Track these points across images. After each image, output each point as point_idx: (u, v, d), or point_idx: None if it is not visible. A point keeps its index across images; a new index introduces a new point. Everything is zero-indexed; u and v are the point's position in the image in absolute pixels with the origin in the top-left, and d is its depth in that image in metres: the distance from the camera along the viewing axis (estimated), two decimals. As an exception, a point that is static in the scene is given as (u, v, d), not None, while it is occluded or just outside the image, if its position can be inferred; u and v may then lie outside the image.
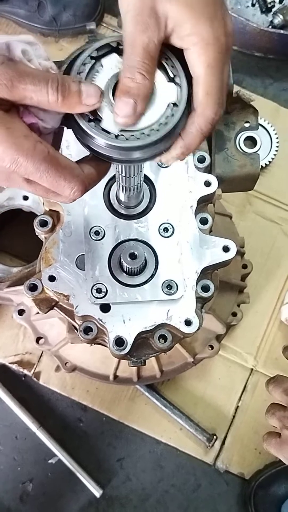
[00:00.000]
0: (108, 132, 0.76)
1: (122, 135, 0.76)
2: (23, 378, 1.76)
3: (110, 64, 0.78)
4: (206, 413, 1.74)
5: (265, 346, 1.79)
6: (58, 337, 1.59)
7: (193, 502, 1.71)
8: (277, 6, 2.03)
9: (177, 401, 1.73)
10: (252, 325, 1.79)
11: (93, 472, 1.70)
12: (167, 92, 0.77)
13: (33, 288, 1.10)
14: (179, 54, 0.78)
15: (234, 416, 1.75)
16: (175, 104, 0.77)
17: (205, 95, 0.76)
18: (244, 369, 1.77)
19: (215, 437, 1.71)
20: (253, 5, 2.04)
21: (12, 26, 1.98)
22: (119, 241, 1.08)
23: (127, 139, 0.76)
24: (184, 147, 0.80)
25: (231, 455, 1.72)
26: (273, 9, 2.03)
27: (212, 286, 1.09)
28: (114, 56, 0.78)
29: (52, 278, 1.06)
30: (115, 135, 0.76)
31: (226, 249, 1.09)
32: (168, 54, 0.78)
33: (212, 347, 1.59)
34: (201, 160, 1.13)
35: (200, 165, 1.13)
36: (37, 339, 1.60)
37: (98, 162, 0.79)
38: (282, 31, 1.95)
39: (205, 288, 1.08)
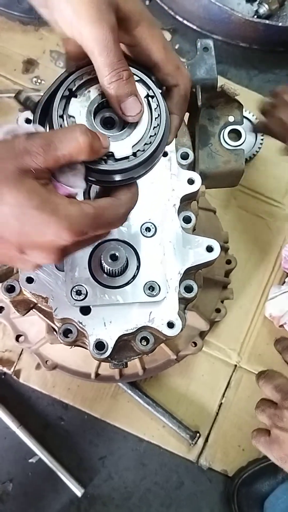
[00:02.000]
0: (127, 157, 0.77)
1: (138, 150, 0.78)
2: (3, 376, 1.72)
3: (76, 109, 0.79)
4: (189, 410, 1.73)
5: (249, 342, 1.77)
6: (38, 335, 1.55)
7: (176, 500, 1.70)
8: (262, -5, 1.99)
9: (160, 399, 1.71)
10: (236, 321, 1.77)
11: (75, 471, 1.68)
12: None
13: (10, 289, 1.07)
14: None
15: (217, 413, 1.73)
16: (151, 96, 0.80)
17: (177, 69, 0.83)
18: (228, 365, 1.75)
19: (198, 434, 1.69)
20: (238, -6, 2.00)
21: (-10, 13, 1.93)
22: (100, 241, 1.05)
23: (143, 150, 0.78)
24: (180, 119, 0.85)
25: (214, 452, 1.71)
26: (258, -1, 1.99)
27: (195, 287, 1.06)
28: (73, 101, 0.79)
29: (30, 280, 1.03)
30: (133, 154, 0.78)
31: (209, 249, 1.06)
32: None
33: (195, 344, 1.57)
34: (184, 156, 1.10)
35: (184, 162, 1.10)
36: (17, 337, 1.56)
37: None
38: (267, 21, 1.91)
39: (188, 289, 1.06)
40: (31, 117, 1.06)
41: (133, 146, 0.78)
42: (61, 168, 0.72)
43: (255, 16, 1.96)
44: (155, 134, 0.79)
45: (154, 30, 0.80)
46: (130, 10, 0.77)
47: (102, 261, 1.01)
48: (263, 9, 1.95)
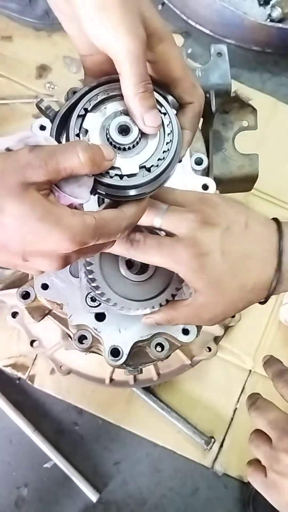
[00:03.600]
0: (134, 174, 0.78)
1: (151, 165, 0.79)
2: (17, 381, 1.72)
3: (92, 125, 0.80)
4: (203, 416, 1.72)
5: (264, 347, 1.76)
6: (52, 340, 1.56)
7: (191, 506, 1.69)
8: (275, -2, 1.99)
9: (174, 404, 1.71)
10: (250, 326, 1.76)
11: (90, 476, 1.67)
12: None
13: (25, 296, 1.08)
14: None
15: (232, 418, 1.72)
16: (163, 113, 0.81)
17: (193, 87, 0.85)
18: (242, 370, 1.75)
19: (213, 439, 1.68)
20: (250, -3, 2.00)
21: (4, 20, 1.93)
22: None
23: (157, 166, 0.79)
24: (192, 135, 0.86)
25: (229, 458, 1.69)
26: (271, 2, 1.97)
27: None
28: (89, 116, 0.80)
29: (45, 286, 1.03)
30: (147, 169, 0.79)
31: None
32: None
33: (209, 349, 1.56)
34: (199, 162, 1.10)
35: (198, 168, 1.10)
36: (31, 342, 1.57)
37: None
38: (280, 25, 1.90)
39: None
40: (45, 124, 1.07)
41: (146, 161, 0.79)
42: (66, 178, 0.74)
43: (268, 20, 1.95)
44: (168, 149, 0.80)
45: (174, 48, 0.82)
46: (156, 27, 0.79)
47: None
48: (276, 13, 1.94)
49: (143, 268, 0.99)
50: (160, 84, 0.84)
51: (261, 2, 1.98)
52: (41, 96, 1.89)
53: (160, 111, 0.80)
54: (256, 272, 0.90)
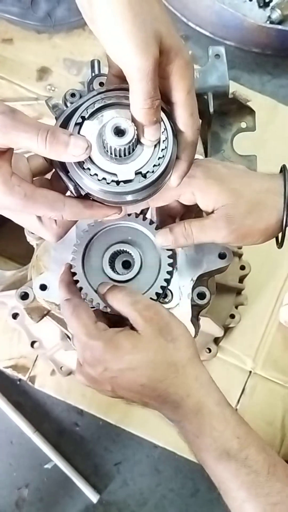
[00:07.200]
0: (130, 180, 0.80)
1: (147, 171, 0.81)
2: (18, 382, 1.73)
3: (89, 132, 0.81)
4: (204, 417, 1.72)
5: (263, 348, 1.76)
6: (53, 341, 1.56)
7: (191, 507, 1.69)
8: (275, 0, 1.99)
9: (174, 405, 1.71)
10: (250, 327, 1.76)
11: (90, 477, 1.68)
12: None
13: (24, 296, 1.08)
14: None
15: (232, 419, 1.72)
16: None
17: (190, 116, 0.83)
18: (242, 371, 1.75)
19: (213, 440, 1.68)
20: (250, -1, 2.01)
21: (4, 22, 1.94)
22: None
23: (152, 172, 0.80)
24: (187, 164, 0.86)
25: (229, 459, 1.69)
26: (271, 4, 1.99)
27: (208, 294, 1.06)
28: (86, 124, 0.81)
29: (43, 287, 1.04)
30: (143, 175, 0.81)
31: (222, 256, 1.06)
32: None
33: (209, 350, 1.57)
34: (197, 163, 1.10)
35: (196, 169, 1.10)
36: (32, 343, 1.57)
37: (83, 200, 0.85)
38: (280, 27, 1.91)
39: (201, 295, 1.06)
40: None
41: (142, 167, 0.81)
42: None
43: (268, 22, 1.96)
44: (163, 156, 0.81)
45: (186, 71, 0.81)
46: (171, 45, 0.78)
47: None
48: (276, 15, 1.95)
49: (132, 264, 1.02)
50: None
51: (261, 4, 1.99)
52: (41, 99, 1.90)
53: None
54: (261, 175, 1.01)
